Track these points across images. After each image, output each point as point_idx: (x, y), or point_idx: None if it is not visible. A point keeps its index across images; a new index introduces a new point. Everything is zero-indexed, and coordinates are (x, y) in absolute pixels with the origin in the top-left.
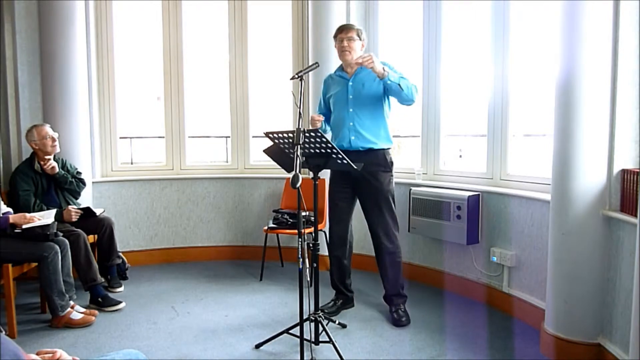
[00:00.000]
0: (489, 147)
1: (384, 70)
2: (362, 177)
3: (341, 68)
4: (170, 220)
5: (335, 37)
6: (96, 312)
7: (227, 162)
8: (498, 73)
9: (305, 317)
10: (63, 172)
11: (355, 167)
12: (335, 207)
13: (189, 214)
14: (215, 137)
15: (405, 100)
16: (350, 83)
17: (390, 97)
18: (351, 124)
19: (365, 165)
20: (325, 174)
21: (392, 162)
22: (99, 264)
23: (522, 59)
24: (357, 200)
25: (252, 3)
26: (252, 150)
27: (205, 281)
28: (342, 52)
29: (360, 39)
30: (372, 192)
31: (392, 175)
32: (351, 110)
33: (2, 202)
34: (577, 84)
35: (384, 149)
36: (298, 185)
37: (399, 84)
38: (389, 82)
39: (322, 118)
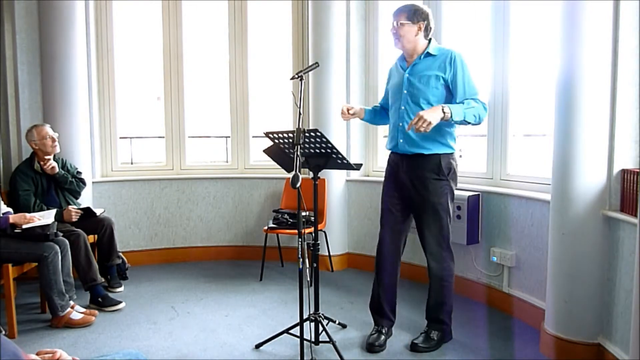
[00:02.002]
0: (489, 147)
1: (444, 113)
2: (411, 182)
3: (403, 56)
4: (170, 220)
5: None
6: (96, 312)
7: (227, 162)
8: (498, 73)
9: (305, 317)
10: (63, 172)
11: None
12: (387, 213)
13: (189, 214)
14: (215, 137)
15: (474, 125)
16: (407, 75)
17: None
18: (400, 124)
19: (414, 171)
20: (326, 174)
21: (450, 169)
22: (99, 264)
23: (522, 58)
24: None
25: (252, 3)
26: (252, 150)
27: (205, 281)
28: (393, 39)
29: (414, 22)
30: (420, 202)
31: (447, 185)
32: (402, 108)
33: (2, 202)
34: (577, 84)
35: (439, 154)
36: (298, 185)
37: (465, 119)
38: (453, 122)
39: (352, 109)
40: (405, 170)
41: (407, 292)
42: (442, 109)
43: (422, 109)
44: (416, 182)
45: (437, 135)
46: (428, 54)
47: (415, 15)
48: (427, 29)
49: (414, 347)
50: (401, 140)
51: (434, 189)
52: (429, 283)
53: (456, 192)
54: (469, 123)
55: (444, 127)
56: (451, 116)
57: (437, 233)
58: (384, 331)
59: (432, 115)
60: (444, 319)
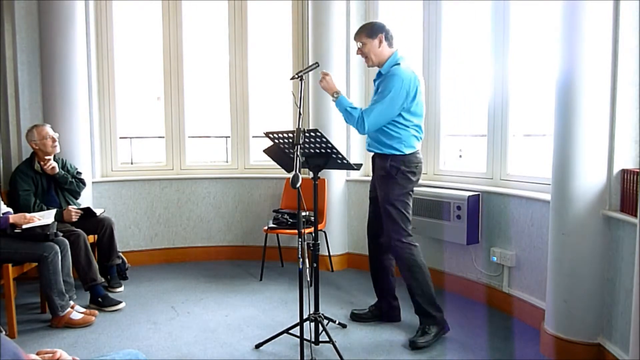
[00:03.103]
0: (489, 147)
1: (333, 96)
2: (373, 179)
3: None
4: (170, 220)
5: None
6: (96, 312)
7: (227, 162)
8: (498, 73)
9: (305, 317)
10: (63, 172)
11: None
12: (370, 202)
13: (189, 214)
14: (215, 137)
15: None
16: (373, 86)
17: (410, 106)
18: None
19: (374, 169)
20: (326, 174)
21: (397, 170)
22: (99, 264)
23: (522, 59)
24: None
25: (252, 3)
26: (252, 150)
27: (205, 281)
28: (364, 60)
29: (373, 37)
30: (379, 197)
31: (394, 182)
32: None
33: (2, 202)
34: (577, 84)
35: (388, 155)
36: (298, 185)
37: (342, 113)
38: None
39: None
40: (372, 169)
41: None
42: (337, 92)
43: None
44: (374, 179)
45: (386, 139)
46: (380, 73)
47: (372, 30)
48: (387, 38)
49: (413, 345)
50: (368, 140)
51: (384, 186)
52: (403, 277)
53: (456, 192)
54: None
55: (393, 132)
56: (335, 102)
57: (391, 226)
58: (371, 308)
59: (328, 86)
60: (429, 311)
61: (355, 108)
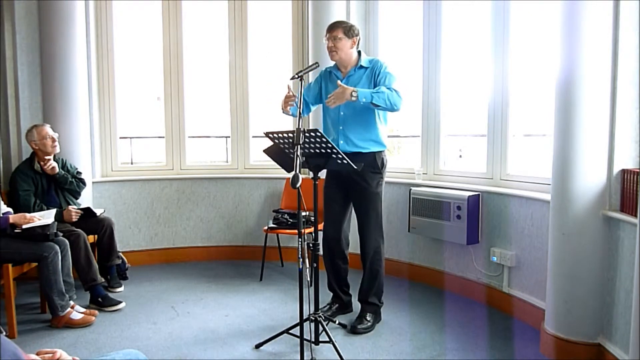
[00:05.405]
0: (489, 147)
1: (351, 95)
2: (351, 177)
3: (336, 66)
4: (170, 220)
5: (325, 35)
6: (96, 312)
7: (227, 162)
8: (498, 73)
9: (305, 317)
10: (63, 172)
11: (355, 167)
12: (328, 208)
13: (189, 214)
14: (215, 137)
15: (390, 111)
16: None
17: None
18: (341, 127)
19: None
20: (324, 174)
21: (383, 164)
22: (99, 264)
23: (522, 59)
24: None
25: (252, 3)
26: (252, 150)
27: (205, 281)
28: (329, 52)
29: (349, 37)
30: (360, 193)
31: (382, 178)
32: (342, 113)
33: (2, 202)
34: (577, 84)
35: (374, 152)
36: (298, 185)
37: (372, 101)
38: (361, 103)
39: (294, 98)
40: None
41: (406, 292)
42: (351, 93)
43: (359, 113)
44: (356, 175)
45: (371, 136)
46: (361, 67)
47: (350, 31)
48: (358, 44)
49: (354, 330)
50: (342, 142)
51: (372, 181)
52: (363, 266)
53: (456, 192)
54: (379, 106)
55: (376, 127)
56: (358, 98)
57: (375, 219)
58: (334, 307)
59: (342, 94)
60: (374, 302)
61: (378, 88)
